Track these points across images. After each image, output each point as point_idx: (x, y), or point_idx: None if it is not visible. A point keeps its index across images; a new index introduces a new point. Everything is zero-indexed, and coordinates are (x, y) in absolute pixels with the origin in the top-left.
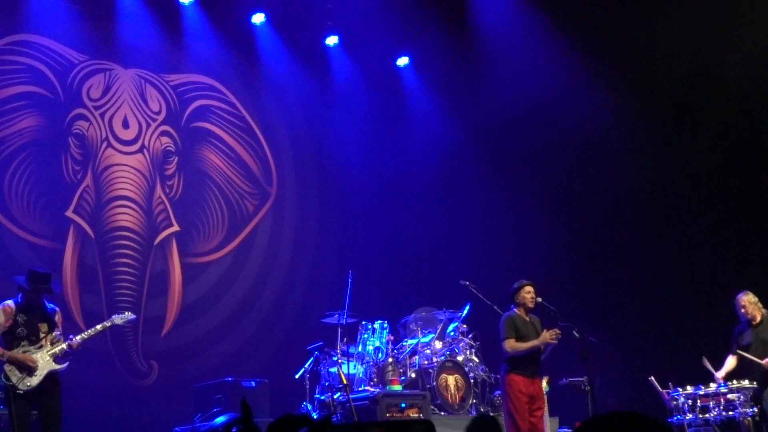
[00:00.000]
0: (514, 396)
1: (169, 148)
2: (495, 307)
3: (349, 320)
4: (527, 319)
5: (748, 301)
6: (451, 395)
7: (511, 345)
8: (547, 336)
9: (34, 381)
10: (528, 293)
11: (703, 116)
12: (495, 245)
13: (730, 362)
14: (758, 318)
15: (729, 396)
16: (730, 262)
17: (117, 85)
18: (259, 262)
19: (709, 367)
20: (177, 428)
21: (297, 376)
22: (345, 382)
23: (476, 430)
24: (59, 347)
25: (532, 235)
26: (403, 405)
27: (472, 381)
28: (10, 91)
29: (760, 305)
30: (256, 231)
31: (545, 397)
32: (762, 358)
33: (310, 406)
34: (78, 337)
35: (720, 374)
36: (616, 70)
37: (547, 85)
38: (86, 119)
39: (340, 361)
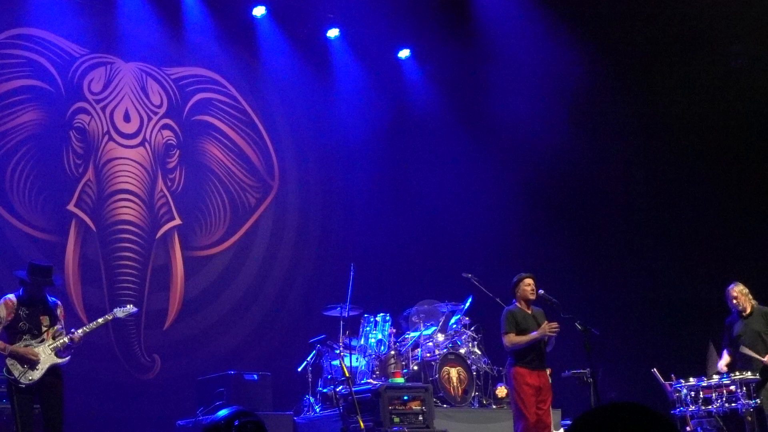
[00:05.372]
0: (521, 389)
1: (170, 142)
2: (497, 300)
3: (352, 313)
4: (529, 312)
5: (739, 291)
6: (453, 388)
7: (510, 339)
8: (546, 328)
9: (36, 375)
10: (528, 286)
11: (705, 111)
12: (497, 238)
13: (726, 356)
14: (748, 309)
15: (731, 388)
16: (733, 254)
17: (118, 79)
18: (261, 255)
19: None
20: (179, 422)
21: (299, 369)
22: (347, 374)
23: None
24: (61, 341)
25: (534, 227)
26: (405, 398)
27: (474, 373)
28: (11, 85)
29: (750, 296)
30: (258, 224)
31: (551, 389)
32: (754, 349)
33: (312, 399)
34: (80, 331)
35: (721, 364)
36: (617, 60)
37: (549, 76)
38: (87, 113)
39: (342, 353)
